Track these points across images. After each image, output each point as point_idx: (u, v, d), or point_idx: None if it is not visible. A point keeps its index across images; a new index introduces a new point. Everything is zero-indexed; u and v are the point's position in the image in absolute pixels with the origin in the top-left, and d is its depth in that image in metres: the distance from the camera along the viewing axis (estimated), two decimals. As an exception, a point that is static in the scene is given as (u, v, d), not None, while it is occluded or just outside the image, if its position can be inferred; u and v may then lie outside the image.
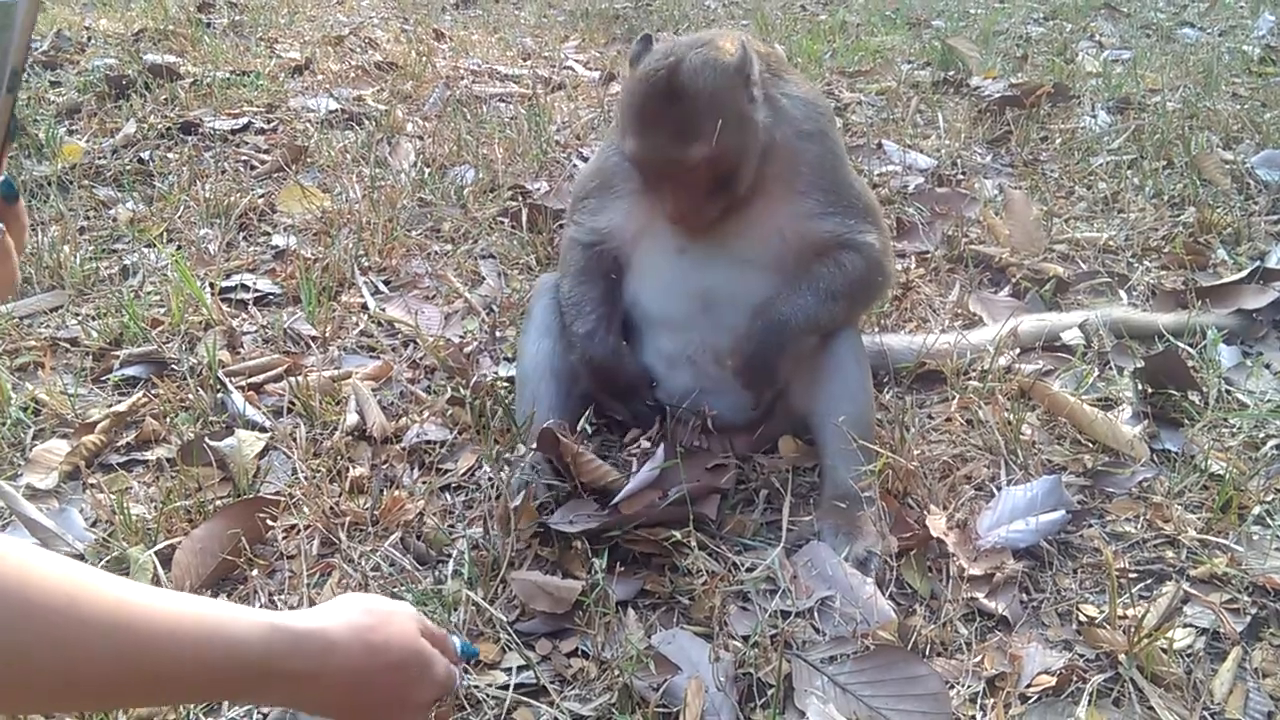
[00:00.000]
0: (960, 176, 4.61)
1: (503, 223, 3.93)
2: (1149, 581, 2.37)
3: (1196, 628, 2.24)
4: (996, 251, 3.81)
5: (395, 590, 2.24)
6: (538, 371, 2.68)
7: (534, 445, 2.44)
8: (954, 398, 2.92)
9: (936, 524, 2.39)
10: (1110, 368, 3.12)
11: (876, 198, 2.82)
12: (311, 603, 2.27)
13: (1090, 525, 2.54)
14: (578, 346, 2.63)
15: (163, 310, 3.39)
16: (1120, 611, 2.24)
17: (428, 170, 4.37)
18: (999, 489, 2.59)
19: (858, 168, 4.49)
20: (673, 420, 2.65)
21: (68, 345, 3.24)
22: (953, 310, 3.45)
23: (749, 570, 2.34)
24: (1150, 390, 2.95)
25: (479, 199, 4.15)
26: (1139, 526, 2.53)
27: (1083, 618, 2.26)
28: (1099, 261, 3.79)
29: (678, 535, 2.29)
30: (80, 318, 3.38)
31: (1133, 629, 2.13)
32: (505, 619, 2.21)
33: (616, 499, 2.39)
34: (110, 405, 2.93)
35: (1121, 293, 3.56)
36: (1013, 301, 3.49)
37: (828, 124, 2.65)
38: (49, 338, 3.27)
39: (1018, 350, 3.18)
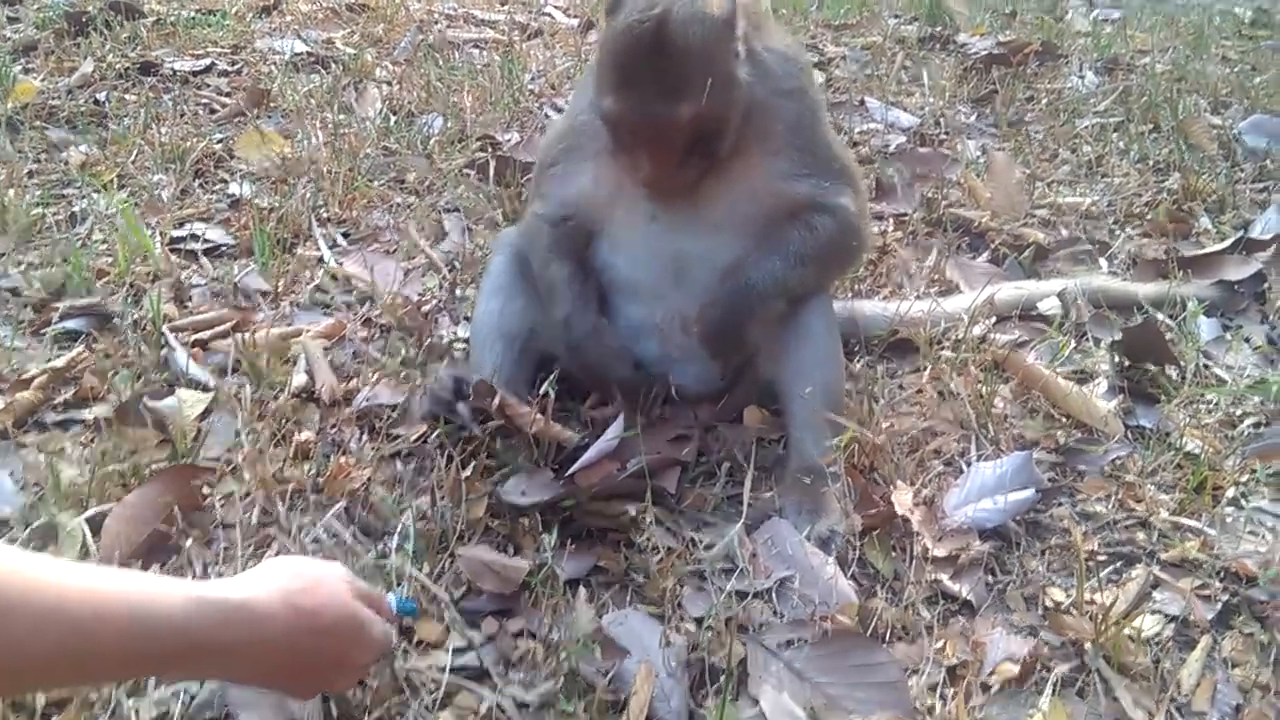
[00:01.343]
0: (943, 136, 4.49)
1: (469, 175, 3.79)
2: (1118, 565, 2.31)
3: (1165, 615, 2.17)
4: (976, 215, 3.71)
5: (340, 560, 2.14)
6: (489, 331, 2.58)
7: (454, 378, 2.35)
8: (926, 368, 2.83)
9: (902, 500, 2.32)
10: (1087, 339, 3.03)
11: (855, 158, 2.70)
12: (249, 574, 2.18)
13: (1060, 504, 2.47)
14: (559, 331, 2.53)
15: (110, 260, 3.24)
16: (1088, 597, 2.18)
17: (394, 118, 4.21)
18: (969, 465, 2.51)
19: (838, 126, 4.38)
20: (641, 391, 2.55)
21: (8, 295, 3.10)
22: (929, 276, 3.35)
23: (707, 548, 2.25)
24: (1127, 363, 2.87)
25: (446, 149, 4.00)
26: (1110, 506, 2.46)
27: (1049, 603, 2.19)
28: (1080, 228, 3.69)
29: (632, 512, 2.20)
30: (23, 266, 3.24)
31: (1099, 616, 2.06)
32: (451, 596, 2.12)
33: (572, 469, 2.30)
34: (49, 360, 2.80)
35: (1102, 261, 3.48)
36: (991, 268, 3.39)
37: (807, 80, 2.53)
38: (-12, 288, 3.13)
39: (994, 319, 3.09)
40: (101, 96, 4.40)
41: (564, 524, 2.26)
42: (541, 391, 2.40)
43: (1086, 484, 2.52)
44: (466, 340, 2.84)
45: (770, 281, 2.39)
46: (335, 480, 2.39)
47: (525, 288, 2.62)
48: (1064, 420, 2.70)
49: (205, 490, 2.30)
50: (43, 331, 2.94)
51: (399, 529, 2.23)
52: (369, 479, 2.44)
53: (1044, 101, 4.78)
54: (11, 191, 3.53)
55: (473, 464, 2.32)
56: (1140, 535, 2.38)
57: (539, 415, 2.34)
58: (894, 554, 2.29)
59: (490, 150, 3.99)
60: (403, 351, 2.74)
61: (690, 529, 2.33)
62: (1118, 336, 2.91)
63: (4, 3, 5.60)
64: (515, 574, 2.09)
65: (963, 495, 2.38)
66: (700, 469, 2.52)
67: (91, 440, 2.56)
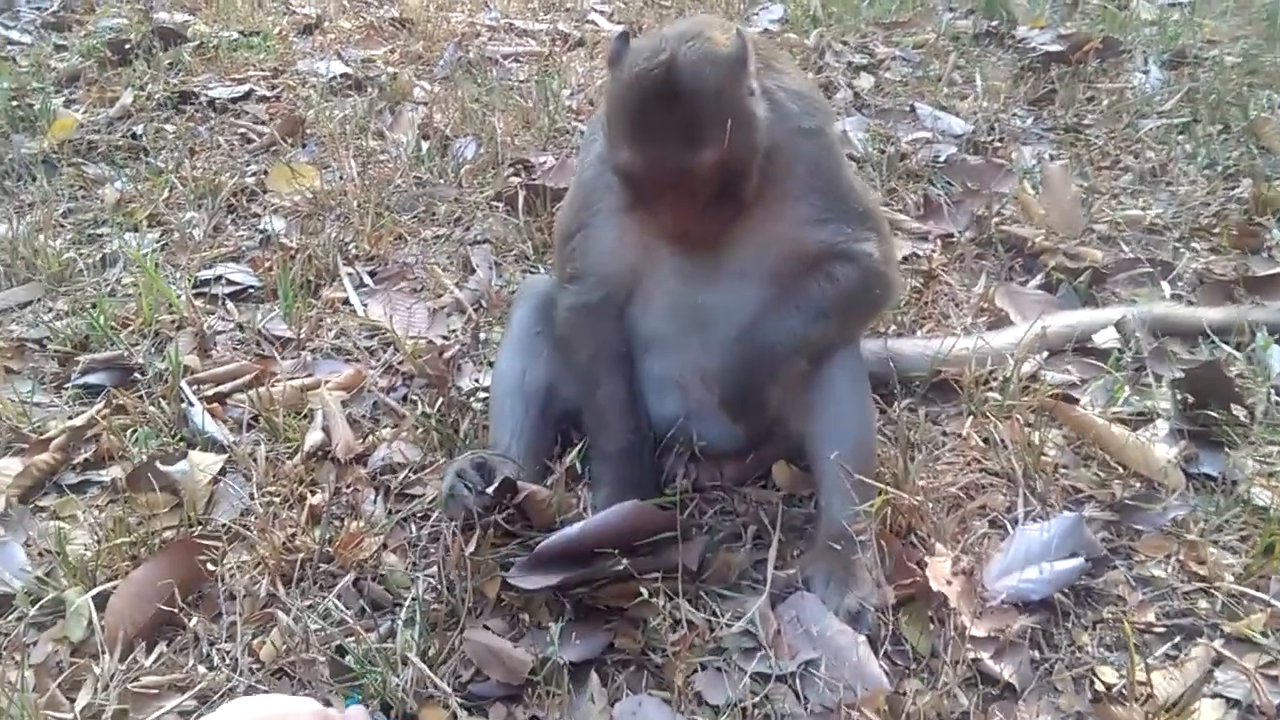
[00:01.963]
0: (997, 144, 4.28)
1: (497, 208, 3.69)
2: (1178, 639, 2.13)
3: (1227, 699, 2.00)
4: (1030, 234, 3.51)
5: (342, 643, 2.06)
6: (510, 392, 2.48)
7: (486, 487, 2.23)
8: (972, 413, 2.67)
9: (939, 572, 2.17)
10: (1147, 375, 2.83)
11: (878, 200, 2.54)
12: (253, 655, 2.11)
13: (1115, 567, 2.30)
14: (606, 462, 2.42)
15: (136, 307, 3.21)
16: (1142, 676, 2.01)
17: (426, 144, 4.13)
18: (1015, 524, 2.35)
19: (886, 134, 4.20)
20: (659, 449, 2.45)
21: (35, 346, 3.08)
22: (977, 306, 3.17)
23: (729, 624, 2.13)
24: (1191, 402, 2.68)
25: (478, 176, 3.91)
26: (1169, 569, 2.29)
27: (1100, 685, 2.03)
28: (1142, 245, 3.48)
29: (645, 593, 2.08)
30: (53, 313, 3.22)
31: (1153, 715, 1.89)
32: (459, 680, 2.05)
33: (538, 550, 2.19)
34: (70, 418, 2.77)
35: (1164, 284, 3.26)
36: (1043, 296, 3.20)
37: (825, 120, 2.38)
38: (17, 337, 3.11)
39: (1045, 354, 2.91)
40: (139, 130, 4.38)
41: (578, 602, 2.17)
42: (565, 465, 2.31)
43: (1144, 543, 2.35)
44: (488, 389, 2.74)
45: (790, 341, 2.26)
46: (346, 548, 2.32)
47: (548, 345, 2.51)
48: (1121, 470, 2.52)
49: (210, 566, 2.23)
50: (66, 386, 2.91)
51: (407, 604, 2.15)
52: (382, 545, 2.36)
53: (1105, 102, 4.54)
54: (42, 236, 3.51)
55: (483, 537, 2.22)
56: (1203, 604, 2.20)
57: (552, 503, 2.25)
58: (932, 628, 2.15)
59: (526, 174, 3.90)
60: (420, 407, 2.66)
61: (712, 602, 2.20)
62: (1180, 374, 2.71)
63: (53, 29, 5.65)
64: (520, 666, 1.99)
65: (1006, 563, 2.22)
66: (725, 531, 2.40)
67: (109, 503, 2.52)
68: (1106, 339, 2.95)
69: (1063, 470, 2.54)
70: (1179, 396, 2.70)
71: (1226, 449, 2.55)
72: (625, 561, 2.11)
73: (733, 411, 2.32)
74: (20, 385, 2.91)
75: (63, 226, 3.73)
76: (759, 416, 2.35)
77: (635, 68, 2.10)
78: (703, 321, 2.37)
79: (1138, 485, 2.50)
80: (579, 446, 2.38)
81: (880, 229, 2.39)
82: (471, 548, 2.16)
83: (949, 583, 2.15)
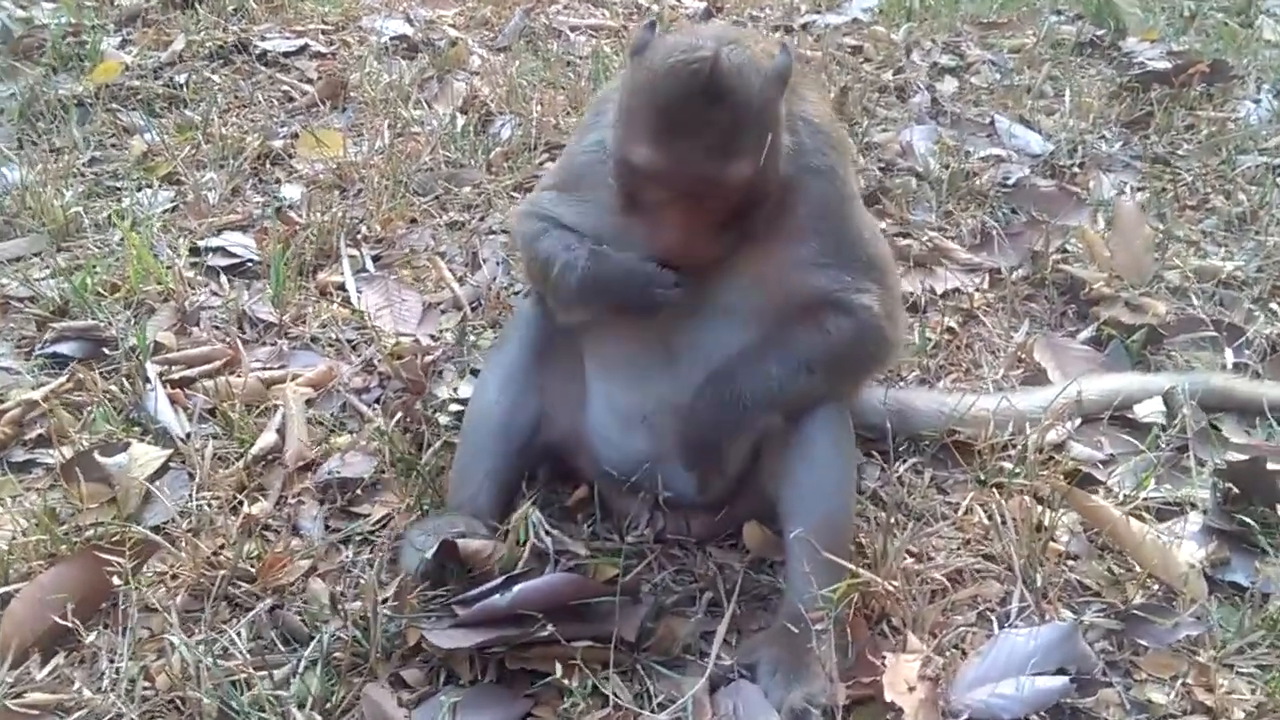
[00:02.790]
0: (1076, 169, 3.94)
1: (516, 198, 3.49)
2: (1168, 786, 1.87)
3: None
4: (1090, 277, 3.19)
5: (232, 683, 1.91)
6: (490, 433, 2.29)
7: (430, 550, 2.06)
8: (978, 483, 2.41)
9: (898, 677, 1.92)
10: (1188, 458, 2.53)
11: (889, 247, 2.28)
12: (150, 680, 1.97)
13: (1111, 684, 2.03)
14: (563, 289, 2.12)
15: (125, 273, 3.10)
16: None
17: (463, 119, 3.94)
18: (1002, 624, 2.09)
19: (957, 147, 3.89)
20: (617, 494, 2.25)
21: (22, 305, 2.99)
22: (1013, 357, 2.88)
23: (658, 709, 1.93)
24: (1233, 495, 2.38)
25: (509, 160, 3.71)
26: (1172, 695, 2.02)
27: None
28: (1212, 301, 3.14)
29: (573, 660, 1.88)
30: (50, 270, 3.12)
31: None
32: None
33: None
34: (34, 388, 2.66)
35: (1228, 350, 2.92)
36: (1089, 352, 2.89)
37: (838, 158, 2.12)
38: (2, 294, 3.01)
39: (1076, 422, 2.62)
40: (182, 79, 4.27)
41: (500, 661, 1.98)
42: (514, 520, 2.13)
43: (1148, 660, 2.07)
44: (461, 403, 2.56)
45: (763, 393, 2.02)
46: (271, 571, 2.16)
47: (539, 382, 2.31)
48: (1136, 569, 2.24)
49: (116, 581, 2.09)
50: (37, 355, 2.80)
51: (311, 647, 1.99)
52: (311, 568, 2.21)
53: (1204, 132, 4.14)
54: (50, 188, 3.42)
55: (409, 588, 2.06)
56: (1205, 742, 1.93)
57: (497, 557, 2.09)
58: (887, 734, 1.91)
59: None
60: (379, 420, 2.49)
61: (648, 678, 2.00)
62: (1223, 463, 2.41)
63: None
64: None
65: (981, 671, 1.97)
66: (679, 594, 2.19)
67: (48, 489, 2.40)
68: (1150, 411, 2.64)
69: (1070, 562, 2.27)
70: (1219, 488, 2.40)
71: (1262, 557, 2.25)
72: (551, 628, 1.92)
73: (688, 459, 2.09)
74: (-3, 347, 2.83)
75: (83, 176, 3.64)
76: (715, 471, 2.11)
77: (671, 59, 1.88)
78: (676, 354, 2.14)
79: (1155, 588, 2.22)
80: (528, 503, 2.18)
81: (885, 281, 2.14)
82: (389, 593, 1.98)
83: (911, 689, 1.91)
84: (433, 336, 2.91)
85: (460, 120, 3.93)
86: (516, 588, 1.97)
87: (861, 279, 2.08)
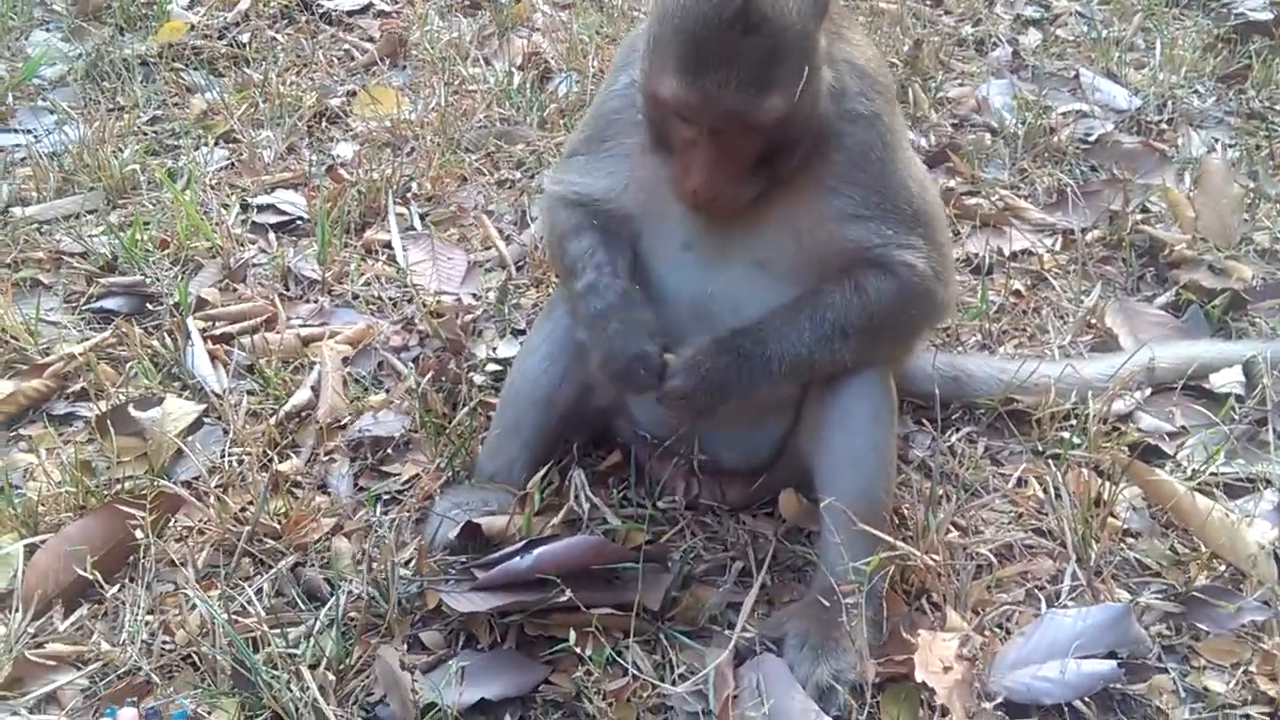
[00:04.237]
0: (1164, 125, 3.72)
1: (570, 155, 3.41)
2: (1223, 780, 1.74)
3: None
4: (1172, 238, 3.00)
5: (247, 640, 1.87)
6: (533, 403, 2.19)
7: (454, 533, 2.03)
8: (1035, 454, 2.27)
9: (934, 653, 1.81)
10: (1266, 432, 2.35)
11: (941, 201, 2.13)
12: (170, 634, 1.95)
13: (1166, 670, 1.90)
14: (580, 308, 2.02)
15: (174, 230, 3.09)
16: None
17: (521, 76, 3.86)
18: (1051, 602, 1.97)
19: (1036, 102, 3.69)
20: (652, 459, 2.16)
21: (75, 260, 3.00)
22: (1082, 321, 2.72)
23: (680, 678, 1.85)
24: (1315, 472, 2.21)
25: (565, 118, 3.63)
26: (1231, 684, 1.87)
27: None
28: (1305, 265, 2.93)
29: (590, 629, 1.82)
30: (104, 227, 3.13)
31: None
32: (369, 697, 1.84)
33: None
34: (79, 342, 2.67)
35: (1320, 319, 2.72)
36: (1165, 318, 2.71)
37: (885, 105, 1.98)
38: (56, 250, 3.03)
39: (1147, 391, 2.46)
40: (245, 38, 4.26)
41: (520, 626, 1.93)
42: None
43: (1208, 646, 1.93)
44: (501, 364, 2.50)
45: (790, 358, 1.90)
46: (296, 527, 2.13)
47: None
48: (1201, 549, 2.09)
49: (139, 535, 2.07)
50: (83, 309, 2.82)
51: (328, 606, 1.95)
52: (337, 526, 2.17)
53: (1306, 87, 3.88)
54: (109, 146, 3.43)
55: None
56: (1265, 734, 1.79)
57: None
58: (922, 714, 1.81)
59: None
60: (409, 379, 2.44)
61: (670, 648, 1.92)
62: (1305, 436, 2.24)
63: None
64: (410, 706, 1.76)
65: (1025, 651, 1.85)
66: (709, 561, 2.10)
67: (87, 443, 2.41)
68: (1227, 381, 2.47)
69: (1130, 540, 2.13)
70: (1299, 465, 2.23)
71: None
72: (570, 593, 1.85)
73: (678, 407, 1.93)
74: (48, 301, 2.84)
75: (143, 135, 3.65)
76: (705, 419, 1.97)
77: None
78: (708, 312, 2.01)
79: (1220, 570, 2.06)
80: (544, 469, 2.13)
81: (933, 236, 1.99)
82: (406, 555, 1.94)
83: (946, 669, 1.80)
84: (475, 296, 2.85)
85: (517, 77, 3.85)
86: (536, 551, 1.91)
87: (906, 234, 1.94)
